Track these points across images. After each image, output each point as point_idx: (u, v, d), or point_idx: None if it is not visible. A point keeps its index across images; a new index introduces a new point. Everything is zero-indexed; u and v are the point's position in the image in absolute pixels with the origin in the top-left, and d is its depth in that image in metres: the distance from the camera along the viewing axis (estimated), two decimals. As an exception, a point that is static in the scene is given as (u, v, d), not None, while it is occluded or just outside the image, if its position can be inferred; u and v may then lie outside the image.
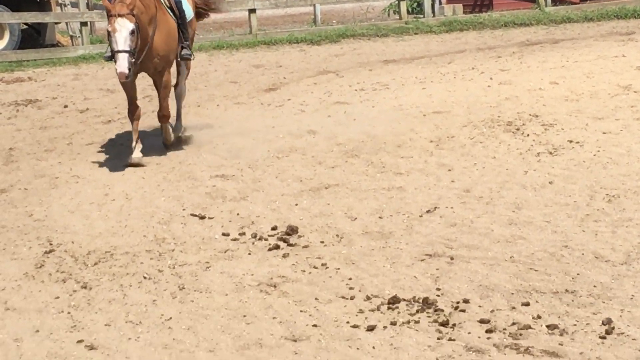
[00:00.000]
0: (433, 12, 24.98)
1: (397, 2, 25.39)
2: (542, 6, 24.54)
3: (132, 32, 10.64)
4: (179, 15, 11.83)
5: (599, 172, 10.23)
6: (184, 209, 9.78)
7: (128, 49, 10.62)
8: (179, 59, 12.15)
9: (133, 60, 10.74)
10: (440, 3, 27.67)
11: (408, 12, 24.80)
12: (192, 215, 9.58)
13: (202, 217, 9.50)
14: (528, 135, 11.77)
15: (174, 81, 12.48)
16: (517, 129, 12.04)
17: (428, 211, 9.35)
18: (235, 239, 8.87)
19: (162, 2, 11.57)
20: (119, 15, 10.60)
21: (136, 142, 11.51)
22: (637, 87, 13.95)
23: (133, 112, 11.64)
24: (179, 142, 12.26)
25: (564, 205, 9.26)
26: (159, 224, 9.37)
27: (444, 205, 9.48)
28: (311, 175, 10.75)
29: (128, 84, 11.41)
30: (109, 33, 10.80)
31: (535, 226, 8.75)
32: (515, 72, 16.00)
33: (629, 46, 18.18)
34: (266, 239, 8.81)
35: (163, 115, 11.84)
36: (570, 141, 11.40)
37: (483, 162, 10.88)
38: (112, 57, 11.36)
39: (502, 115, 12.75)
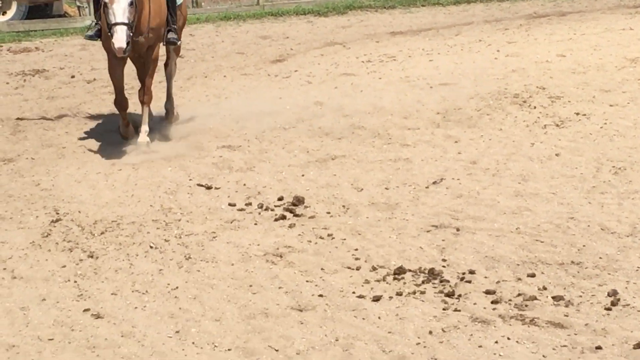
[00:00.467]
0: (440, -17, 24.82)
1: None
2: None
3: (131, 4, 10.12)
4: None
5: (606, 144, 10.22)
6: (190, 179, 9.79)
7: (127, 21, 10.05)
8: (164, 43, 11.44)
9: (131, 34, 10.18)
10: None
11: (415, -16, 24.64)
12: (199, 185, 9.59)
13: (209, 187, 9.51)
14: (535, 107, 11.75)
15: (163, 60, 12.24)
16: (524, 101, 12.01)
17: (434, 182, 9.36)
18: (241, 209, 8.88)
19: None
20: None
21: (126, 126, 11.24)
22: (645, 59, 13.93)
23: (120, 102, 11.09)
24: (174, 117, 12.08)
25: (570, 177, 9.27)
26: (165, 194, 9.38)
27: (450, 177, 9.49)
28: (318, 146, 10.75)
29: (117, 72, 10.86)
30: (105, 5, 10.18)
31: (542, 198, 8.76)
32: (523, 44, 15.93)
33: (637, 19, 18.09)
34: (272, 210, 8.83)
35: (146, 94, 11.10)
36: (577, 113, 11.39)
37: (489, 134, 10.87)
38: (97, 35, 10.93)
39: (509, 88, 12.72)
